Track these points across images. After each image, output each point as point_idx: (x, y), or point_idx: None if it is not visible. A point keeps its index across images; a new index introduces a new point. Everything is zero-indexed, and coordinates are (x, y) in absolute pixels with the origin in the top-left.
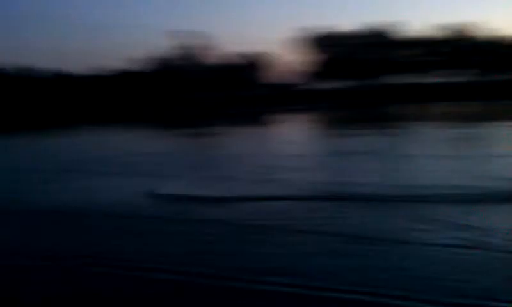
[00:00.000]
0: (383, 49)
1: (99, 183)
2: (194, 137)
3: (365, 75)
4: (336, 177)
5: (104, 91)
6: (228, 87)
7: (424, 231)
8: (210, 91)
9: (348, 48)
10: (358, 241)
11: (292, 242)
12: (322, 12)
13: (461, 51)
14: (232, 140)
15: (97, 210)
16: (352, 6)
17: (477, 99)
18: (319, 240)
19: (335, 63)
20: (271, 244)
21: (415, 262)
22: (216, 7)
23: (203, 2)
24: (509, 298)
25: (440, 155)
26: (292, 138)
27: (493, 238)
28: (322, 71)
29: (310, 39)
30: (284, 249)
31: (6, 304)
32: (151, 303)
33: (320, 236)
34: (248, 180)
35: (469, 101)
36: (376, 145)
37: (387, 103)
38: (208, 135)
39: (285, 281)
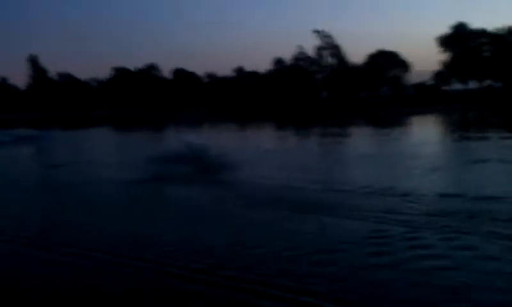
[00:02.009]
0: None
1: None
2: (327, 138)
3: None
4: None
5: (245, 92)
6: (367, 87)
7: None
8: (350, 92)
9: (486, 46)
10: None
11: None
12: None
13: None
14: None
15: None
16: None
17: None
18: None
19: (471, 62)
20: None
21: None
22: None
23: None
24: None
25: None
26: (419, 140)
27: None
28: (459, 71)
29: (448, 37)
30: None
31: None
32: None
33: None
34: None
35: None
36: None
37: None
38: (342, 136)
39: None
